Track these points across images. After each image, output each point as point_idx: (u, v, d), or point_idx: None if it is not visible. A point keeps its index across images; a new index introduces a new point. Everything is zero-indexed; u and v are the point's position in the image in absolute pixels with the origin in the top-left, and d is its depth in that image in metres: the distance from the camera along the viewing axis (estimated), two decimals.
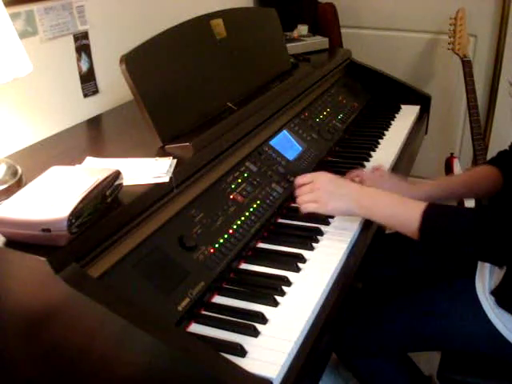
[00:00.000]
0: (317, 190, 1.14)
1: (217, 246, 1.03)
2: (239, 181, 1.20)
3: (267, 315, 0.91)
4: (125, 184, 0.92)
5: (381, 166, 1.39)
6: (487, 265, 1.15)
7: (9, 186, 0.93)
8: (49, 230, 0.76)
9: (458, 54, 2.07)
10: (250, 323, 0.89)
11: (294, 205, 1.29)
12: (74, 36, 1.36)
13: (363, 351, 1.25)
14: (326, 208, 1.13)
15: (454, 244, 1.05)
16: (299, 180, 1.19)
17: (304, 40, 2.00)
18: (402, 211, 1.08)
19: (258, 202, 1.19)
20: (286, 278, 1.01)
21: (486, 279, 1.13)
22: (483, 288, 1.12)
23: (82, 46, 1.39)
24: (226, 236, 1.06)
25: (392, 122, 1.82)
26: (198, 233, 1.02)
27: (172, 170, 1.01)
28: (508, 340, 1.08)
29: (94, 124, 1.40)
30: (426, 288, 1.23)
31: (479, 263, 1.18)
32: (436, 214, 1.05)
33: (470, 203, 2.12)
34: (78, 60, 1.39)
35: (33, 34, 1.24)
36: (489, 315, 1.09)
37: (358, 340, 1.24)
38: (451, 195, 1.35)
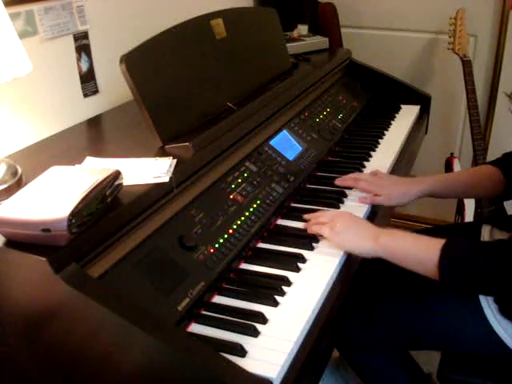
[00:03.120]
0: (335, 221, 1.12)
1: (217, 246, 1.03)
2: (239, 181, 1.20)
3: (267, 315, 0.91)
4: (125, 184, 0.93)
5: (378, 171, 1.37)
6: None
7: (9, 186, 0.93)
8: (49, 230, 0.76)
9: (458, 54, 2.07)
10: (250, 323, 0.89)
11: (294, 204, 1.29)
12: (74, 36, 1.36)
13: (364, 348, 1.25)
14: (337, 238, 1.10)
15: (478, 282, 1.00)
16: (319, 217, 1.16)
17: (304, 40, 2.00)
18: (419, 249, 1.05)
19: (258, 201, 1.19)
20: (286, 277, 1.01)
21: None
22: None
23: (82, 45, 1.39)
24: (225, 236, 1.06)
25: (392, 122, 1.82)
26: (198, 233, 1.02)
27: (172, 169, 1.01)
28: (508, 345, 1.07)
29: (94, 124, 1.40)
30: (427, 288, 1.22)
31: None
32: (455, 249, 1.01)
33: (469, 204, 2.12)
34: (78, 60, 1.39)
35: (33, 33, 1.24)
36: (490, 320, 1.09)
37: (359, 337, 1.24)
38: (452, 192, 1.34)
